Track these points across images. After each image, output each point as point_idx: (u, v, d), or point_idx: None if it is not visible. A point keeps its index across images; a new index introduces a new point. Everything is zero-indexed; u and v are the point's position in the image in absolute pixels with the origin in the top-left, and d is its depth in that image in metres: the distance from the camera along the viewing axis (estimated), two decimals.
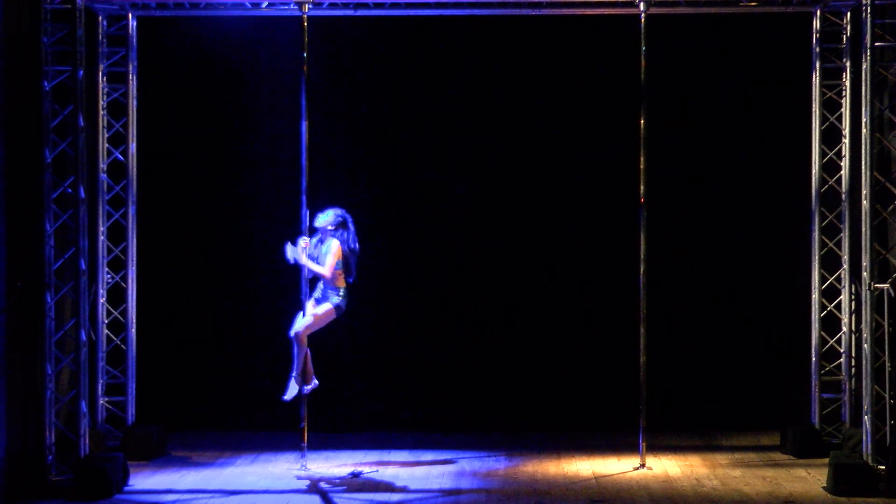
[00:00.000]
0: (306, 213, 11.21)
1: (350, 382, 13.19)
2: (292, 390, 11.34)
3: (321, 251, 11.26)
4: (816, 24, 12.03)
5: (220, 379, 13.19)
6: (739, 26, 12.78)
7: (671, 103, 12.84)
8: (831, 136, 12.09)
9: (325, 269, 11.21)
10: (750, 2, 11.76)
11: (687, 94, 13.06)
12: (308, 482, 11.11)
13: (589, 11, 11.81)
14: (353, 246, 11.28)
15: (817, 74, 12.06)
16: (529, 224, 13.21)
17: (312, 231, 11.31)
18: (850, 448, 11.41)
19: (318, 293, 11.36)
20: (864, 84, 11.00)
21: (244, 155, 13.16)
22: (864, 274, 10.98)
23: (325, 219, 11.29)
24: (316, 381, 11.49)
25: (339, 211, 11.33)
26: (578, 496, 10.58)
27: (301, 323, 11.26)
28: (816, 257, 12.12)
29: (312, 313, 11.28)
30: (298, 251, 11.17)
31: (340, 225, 11.28)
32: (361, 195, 12.91)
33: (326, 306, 11.28)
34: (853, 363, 12.01)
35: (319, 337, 12.03)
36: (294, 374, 11.31)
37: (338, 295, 11.29)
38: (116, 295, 12.41)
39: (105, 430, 12.25)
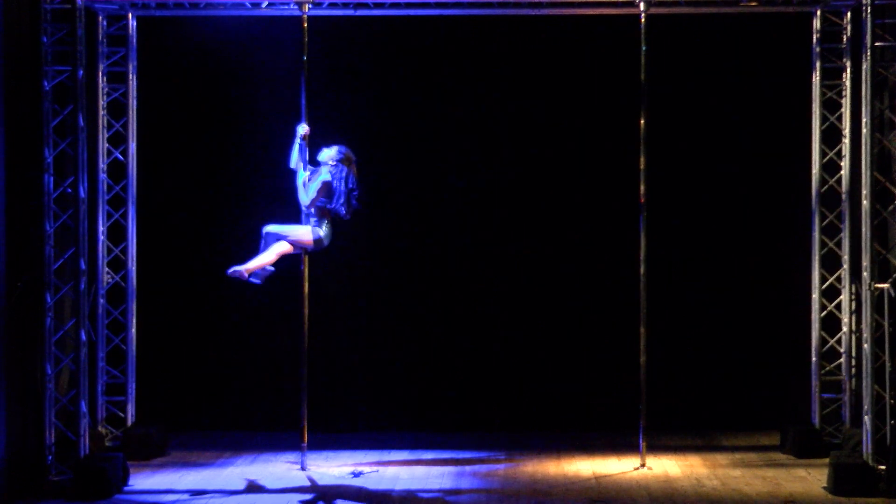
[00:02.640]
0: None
1: (350, 382, 13.19)
2: (236, 269, 10.96)
3: (313, 183, 11.12)
4: (816, 24, 12.03)
5: (220, 379, 13.20)
6: (739, 26, 12.78)
7: (671, 103, 12.84)
8: (831, 136, 12.09)
9: (306, 198, 11.05)
10: (750, 2, 11.76)
11: (687, 94, 13.06)
12: (308, 482, 11.10)
13: (589, 11, 11.81)
14: (351, 185, 11.05)
15: (817, 74, 12.06)
16: (529, 224, 13.21)
17: (315, 164, 11.22)
18: (850, 448, 11.41)
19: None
20: (864, 84, 11.00)
21: (244, 154, 13.16)
22: (864, 274, 10.98)
23: (329, 153, 11.15)
24: (271, 268, 11.13)
25: (343, 148, 11.17)
26: (578, 496, 10.58)
27: (279, 227, 11.08)
28: (816, 257, 12.12)
29: (293, 227, 11.09)
30: (295, 155, 11.07)
31: (342, 161, 11.13)
32: (361, 195, 12.89)
33: (307, 229, 11.06)
34: (853, 363, 12.02)
35: (320, 337, 12.06)
36: (246, 265, 10.96)
37: (322, 226, 11.06)
38: (116, 295, 12.41)
39: (105, 430, 12.25)
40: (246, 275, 11.01)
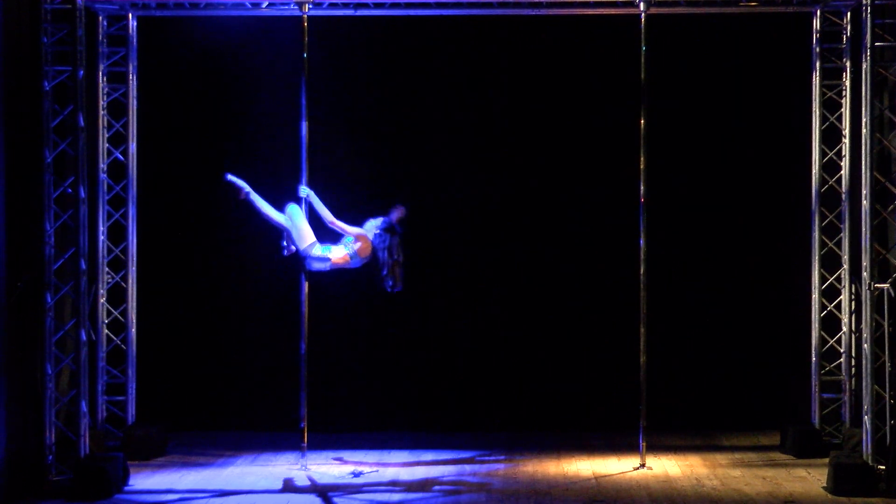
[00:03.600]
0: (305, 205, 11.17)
1: (350, 382, 13.19)
2: (240, 182, 10.91)
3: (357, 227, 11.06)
4: (816, 24, 12.04)
5: (220, 379, 13.20)
6: (739, 26, 12.78)
7: (671, 103, 12.84)
8: (831, 136, 12.09)
9: (335, 219, 10.96)
10: (750, 2, 11.76)
11: (687, 94, 13.06)
12: (308, 482, 11.11)
13: (589, 11, 11.81)
14: (396, 256, 10.98)
15: (817, 74, 12.06)
16: (529, 224, 13.21)
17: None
18: (850, 448, 11.41)
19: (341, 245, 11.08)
20: (864, 84, 11.00)
21: (244, 154, 13.15)
22: (864, 274, 10.98)
23: (374, 223, 11.09)
24: (293, 248, 11.02)
25: (388, 218, 11.05)
26: (578, 496, 10.58)
27: (300, 216, 10.98)
28: (816, 257, 12.12)
29: (307, 227, 10.99)
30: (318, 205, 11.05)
31: (387, 230, 11.05)
32: (361, 196, 12.89)
33: (312, 242, 10.94)
34: (853, 363, 12.02)
35: (320, 337, 12.04)
36: (250, 191, 10.89)
37: (319, 251, 10.95)
38: (116, 295, 12.42)
39: (105, 430, 12.26)
40: (240, 193, 10.87)
